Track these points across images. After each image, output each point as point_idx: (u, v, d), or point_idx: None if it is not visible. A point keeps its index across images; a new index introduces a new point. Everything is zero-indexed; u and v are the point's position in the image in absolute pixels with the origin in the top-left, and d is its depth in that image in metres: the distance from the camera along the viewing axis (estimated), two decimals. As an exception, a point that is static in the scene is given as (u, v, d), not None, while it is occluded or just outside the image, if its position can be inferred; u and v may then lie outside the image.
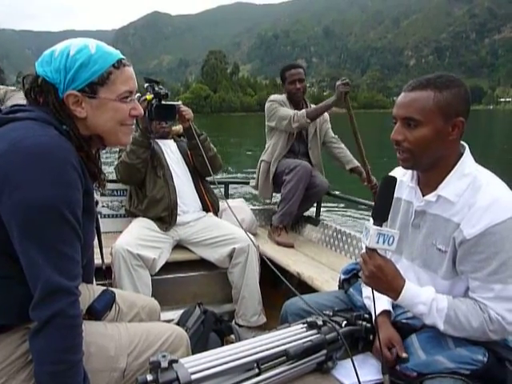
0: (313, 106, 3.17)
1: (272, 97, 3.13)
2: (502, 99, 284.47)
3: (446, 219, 1.17)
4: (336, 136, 3.32)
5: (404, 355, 1.16)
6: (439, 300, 1.14)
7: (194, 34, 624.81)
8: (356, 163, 3.21)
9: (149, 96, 2.16)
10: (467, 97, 1.15)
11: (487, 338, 1.10)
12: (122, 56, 1.07)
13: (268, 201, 3.25)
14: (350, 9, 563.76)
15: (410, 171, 1.30)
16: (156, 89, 2.16)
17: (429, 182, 1.22)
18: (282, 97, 3.08)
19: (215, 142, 2.71)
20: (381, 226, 1.10)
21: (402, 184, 1.31)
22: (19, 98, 2.38)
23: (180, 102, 2.31)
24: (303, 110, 2.91)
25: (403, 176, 1.32)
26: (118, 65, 1.05)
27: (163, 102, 2.17)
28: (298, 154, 3.09)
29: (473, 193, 1.12)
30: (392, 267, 1.15)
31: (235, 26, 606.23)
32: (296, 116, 2.87)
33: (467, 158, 1.18)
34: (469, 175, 1.15)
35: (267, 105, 3.09)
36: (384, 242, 1.10)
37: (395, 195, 1.30)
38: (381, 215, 1.12)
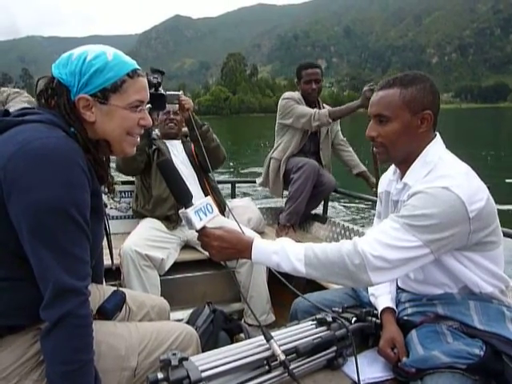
0: (325, 105, 3.15)
1: (287, 94, 3.08)
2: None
3: None
4: (345, 139, 3.31)
5: (404, 359, 1.16)
6: (293, 245, 1.14)
7: (215, 37, 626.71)
8: (363, 168, 3.21)
9: None
10: (433, 91, 1.20)
11: (356, 280, 1.08)
12: (137, 66, 1.08)
13: (279, 198, 3.23)
14: (370, 7, 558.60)
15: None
16: (149, 77, 2.07)
17: (403, 173, 1.27)
18: (297, 94, 3.04)
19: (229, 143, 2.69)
20: (190, 205, 1.13)
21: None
22: (21, 101, 2.40)
23: (181, 92, 2.29)
24: (325, 109, 2.88)
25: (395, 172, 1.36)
26: (133, 74, 1.06)
27: (153, 92, 2.06)
28: (307, 153, 3.07)
29: (430, 180, 1.14)
30: (232, 231, 1.17)
31: (256, 27, 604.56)
32: (317, 114, 2.84)
33: (432, 147, 1.22)
34: (430, 163, 1.18)
35: (282, 102, 3.03)
36: (205, 214, 1.14)
37: (386, 189, 1.37)
38: (183, 198, 1.15)
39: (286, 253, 1.12)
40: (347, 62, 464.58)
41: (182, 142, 2.66)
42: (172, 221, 2.40)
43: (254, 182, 3.46)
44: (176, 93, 2.25)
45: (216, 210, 1.18)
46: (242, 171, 13.19)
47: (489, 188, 1.16)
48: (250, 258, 1.15)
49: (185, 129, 2.71)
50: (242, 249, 1.15)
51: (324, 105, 3.18)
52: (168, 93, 2.12)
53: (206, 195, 2.53)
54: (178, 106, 2.33)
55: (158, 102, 2.10)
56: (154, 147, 2.54)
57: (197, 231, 1.15)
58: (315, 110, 2.89)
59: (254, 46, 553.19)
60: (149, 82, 2.06)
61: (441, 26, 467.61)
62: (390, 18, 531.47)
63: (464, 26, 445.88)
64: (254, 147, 22.09)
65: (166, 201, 2.39)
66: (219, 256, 1.18)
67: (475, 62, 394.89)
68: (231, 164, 14.31)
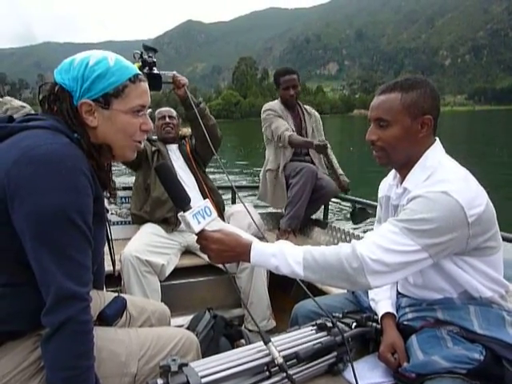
0: (307, 107, 3.21)
1: (267, 105, 3.12)
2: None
3: None
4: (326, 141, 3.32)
5: (404, 364, 1.16)
6: (292, 248, 1.14)
7: (227, 41, 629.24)
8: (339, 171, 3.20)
9: (137, 64, 2.06)
10: (434, 95, 1.20)
11: (354, 283, 1.08)
12: (138, 71, 1.10)
13: (281, 210, 3.21)
14: (382, 10, 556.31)
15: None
16: (144, 56, 2.06)
17: (403, 178, 1.27)
18: (277, 104, 3.08)
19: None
20: (188, 209, 1.13)
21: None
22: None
23: (175, 72, 2.27)
24: (286, 134, 2.91)
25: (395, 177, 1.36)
26: (134, 79, 1.07)
27: (149, 71, 2.05)
28: (300, 155, 3.08)
29: (429, 184, 1.15)
30: (231, 234, 1.17)
31: (267, 31, 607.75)
32: (282, 136, 2.92)
33: (432, 152, 1.22)
34: (430, 168, 1.19)
35: (263, 115, 3.08)
36: (204, 217, 1.14)
37: (386, 194, 1.36)
38: (181, 202, 1.14)
39: (285, 256, 1.11)
40: (359, 65, 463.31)
41: (179, 146, 2.69)
42: (171, 223, 2.41)
43: (256, 187, 3.45)
44: (171, 72, 2.25)
45: (215, 212, 1.18)
46: (247, 171, 13.17)
47: (488, 193, 1.17)
48: (248, 260, 1.14)
49: (180, 132, 2.73)
50: (241, 251, 1.15)
51: (306, 106, 3.23)
52: (162, 72, 2.12)
53: (204, 198, 2.54)
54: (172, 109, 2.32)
55: (154, 81, 2.11)
56: (154, 149, 2.56)
57: (195, 234, 1.15)
58: (282, 130, 2.93)
59: (266, 50, 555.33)
60: (144, 61, 2.08)
61: (454, 28, 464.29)
62: (403, 20, 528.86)
63: (477, 28, 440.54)
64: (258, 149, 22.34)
65: (165, 203, 2.40)
66: (218, 259, 1.18)
67: (489, 64, 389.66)
68: (238, 164, 14.27)
